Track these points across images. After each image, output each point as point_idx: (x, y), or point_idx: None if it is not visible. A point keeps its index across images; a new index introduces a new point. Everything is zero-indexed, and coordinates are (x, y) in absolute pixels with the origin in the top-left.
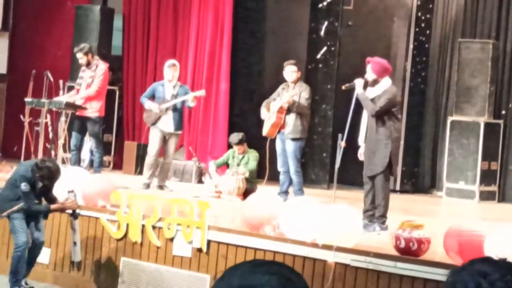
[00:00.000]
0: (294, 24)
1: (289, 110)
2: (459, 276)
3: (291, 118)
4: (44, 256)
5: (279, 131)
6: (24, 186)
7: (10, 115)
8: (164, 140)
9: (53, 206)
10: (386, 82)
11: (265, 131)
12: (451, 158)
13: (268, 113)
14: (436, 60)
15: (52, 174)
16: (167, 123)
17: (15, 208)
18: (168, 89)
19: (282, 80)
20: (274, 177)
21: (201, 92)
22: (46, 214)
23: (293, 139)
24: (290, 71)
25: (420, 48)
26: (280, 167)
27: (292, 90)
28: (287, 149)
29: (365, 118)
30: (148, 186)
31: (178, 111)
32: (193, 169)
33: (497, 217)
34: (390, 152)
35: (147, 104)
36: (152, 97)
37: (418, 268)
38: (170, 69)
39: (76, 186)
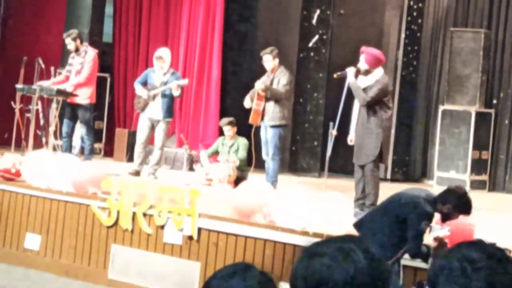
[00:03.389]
0: (286, 12)
1: (267, 97)
2: (446, 260)
3: (270, 105)
4: (35, 243)
5: (262, 119)
6: (424, 225)
7: (1, 101)
8: (153, 127)
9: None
10: (378, 72)
11: (250, 119)
12: (442, 147)
13: (251, 100)
14: (427, 49)
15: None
16: (156, 110)
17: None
18: (158, 76)
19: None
20: (261, 165)
21: (184, 81)
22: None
23: (272, 126)
24: (265, 61)
25: (412, 37)
26: (264, 155)
27: (271, 78)
28: (267, 136)
29: (357, 107)
30: (137, 173)
31: (167, 98)
32: (184, 156)
33: (487, 206)
34: (381, 141)
35: (138, 89)
36: (145, 83)
37: (408, 257)
38: (158, 61)
39: (67, 173)
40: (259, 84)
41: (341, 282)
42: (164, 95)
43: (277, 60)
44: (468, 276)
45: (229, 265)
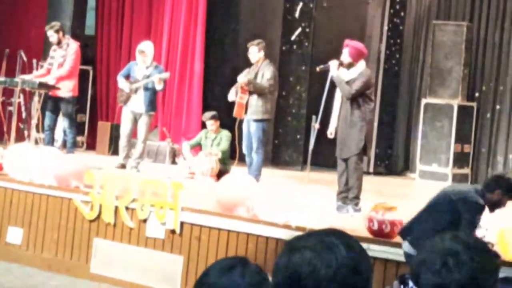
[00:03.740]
0: (269, 5)
1: (251, 91)
2: (429, 253)
3: (254, 99)
4: (17, 237)
5: (245, 112)
6: (478, 218)
7: None
8: (136, 121)
9: None
10: (361, 65)
11: (234, 112)
12: (424, 141)
13: (235, 93)
14: (410, 42)
15: None
16: (138, 104)
17: None
18: (141, 69)
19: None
20: (244, 159)
21: (166, 75)
22: None
23: (255, 120)
24: (251, 52)
25: (394, 30)
26: (244, 149)
27: (256, 71)
28: (250, 130)
29: (338, 100)
30: (123, 166)
31: (150, 91)
32: (166, 150)
33: None
34: (365, 135)
35: (121, 83)
36: (128, 76)
37: (391, 250)
38: (140, 55)
39: (49, 166)
40: (242, 78)
41: (323, 276)
42: (146, 89)
43: (262, 53)
44: (450, 269)
45: (225, 258)
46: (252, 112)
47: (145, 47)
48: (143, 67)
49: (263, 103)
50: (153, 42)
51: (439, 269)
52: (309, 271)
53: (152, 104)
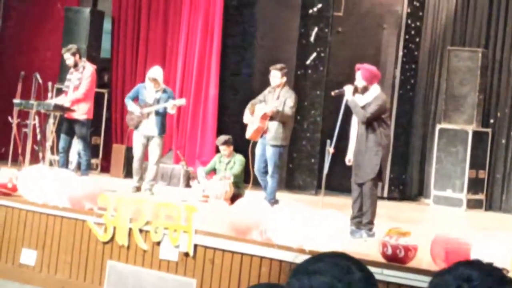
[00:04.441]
0: (284, 29)
1: (272, 117)
2: (443, 278)
3: (274, 125)
4: (30, 258)
5: (261, 136)
6: None
7: None
8: (147, 144)
9: None
10: (375, 89)
11: (248, 134)
12: (438, 166)
13: (252, 117)
14: (425, 68)
15: None
16: (150, 128)
17: None
18: (151, 93)
19: (267, 84)
20: (259, 182)
21: (181, 101)
22: None
23: (273, 146)
24: (273, 76)
25: (409, 56)
26: (256, 171)
27: (276, 96)
28: (266, 154)
29: (355, 126)
30: (138, 189)
31: (161, 115)
32: (180, 173)
33: (484, 225)
34: (381, 160)
35: (130, 106)
36: (137, 98)
37: (405, 276)
38: (151, 83)
39: (63, 188)
40: (269, 107)
41: None
42: (157, 113)
43: (284, 79)
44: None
45: (258, 285)
46: (271, 138)
47: (156, 75)
48: (153, 91)
49: (283, 130)
50: (168, 66)
51: None
52: None
53: (163, 127)
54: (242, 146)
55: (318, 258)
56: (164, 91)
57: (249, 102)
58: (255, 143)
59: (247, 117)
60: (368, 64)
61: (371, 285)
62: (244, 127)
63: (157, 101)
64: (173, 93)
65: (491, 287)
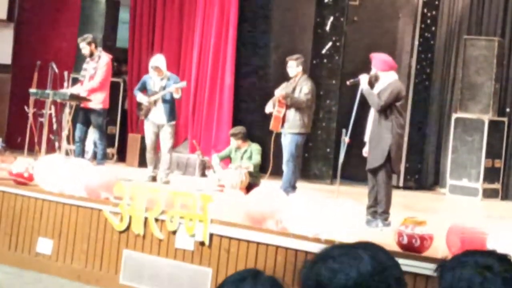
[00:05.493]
0: (300, 19)
1: (290, 105)
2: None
3: (291, 113)
4: (47, 248)
5: (282, 126)
6: None
7: (14, 106)
8: (157, 132)
9: None
10: (391, 76)
11: (271, 126)
12: (454, 155)
13: (273, 105)
14: (441, 57)
15: None
16: (159, 116)
17: None
18: (156, 81)
19: (286, 75)
20: (277, 171)
21: (182, 84)
22: None
23: (291, 133)
24: (290, 66)
25: (425, 45)
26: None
27: (294, 85)
28: (285, 143)
29: (371, 118)
30: (153, 178)
31: (168, 102)
32: (196, 162)
33: (500, 214)
34: (389, 146)
35: (138, 96)
36: (145, 89)
37: (421, 265)
38: (154, 71)
39: (79, 178)
40: (280, 91)
41: (342, 285)
42: (165, 100)
43: (301, 68)
44: (490, 282)
45: (238, 271)
46: (289, 126)
47: (159, 63)
48: (158, 79)
49: (300, 117)
50: (183, 55)
51: (481, 282)
52: (329, 279)
53: (172, 114)
54: (260, 135)
55: (336, 246)
56: (169, 78)
57: (264, 91)
58: (278, 136)
59: (268, 107)
60: (382, 53)
61: (379, 278)
62: (260, 117)
63: (163, 88)
64: (178, 78)
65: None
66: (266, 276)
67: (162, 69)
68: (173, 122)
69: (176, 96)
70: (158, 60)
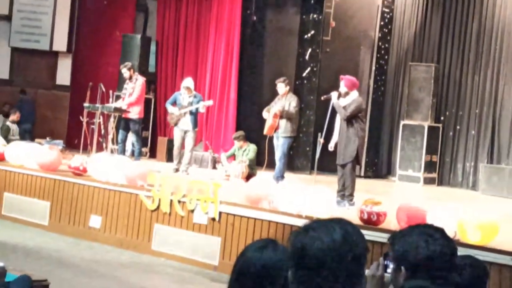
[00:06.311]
0: (286, 50)
1: (281, 116)
2: (409, 236)
3: (283, 122)
4: (97, 223)
5: (275, 131)
6: None
7: (72, 116)
8: (184, 136)
9: None
10: (354, 94)
11: (265, 131)
12: (402, 152)
13: (268, 115)
14: (392, 79)
15: None
16: (186, 124)
17: None
18: (185, 98)
19: (276, 92)
20: (270, 165)
21: (209, 102)
22: None
23: (283, 137)
24: (279, 87)
25: (380, 69)
26: (276, 158)
27: (282, 101)
28: (278, 144)
29: (338, 122)
30: (177, 170)
31: (193, 114)
32: (209, 158)
33: (436, 197)
34: (357, 146)
35: (170, 108)
36: (174, 103)
37: (377, 235)
38: (186, 90)
39: (121, 170)
40: (275, 106)
41: (318, 249)
42: (191, 112)
43: (288, 87)
44: (432, 244)
45: (259, 240)
46: (282, 131)
47: (189, 84)
48: (187, 96)
49: (291, 125)
50: (198, 77)
51: (425, 245)
52: (310, 244)
53: (195, 123)
54: (257, 137)
55: (318, 220)
56: (195, 96)
57: (260, 103)
58: (271, 138)
59: (265, 115)
60: (349, 75)
61: (346, 244)
62: (257, 124)
63: (190, 103)
64: (202, 97)
65: (447, 241)
66: (282, 245)
67: (191, 88)
68: (196, 129)
69: (202, 111)
70: (189, 82)
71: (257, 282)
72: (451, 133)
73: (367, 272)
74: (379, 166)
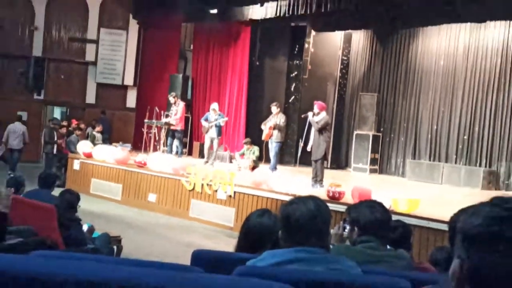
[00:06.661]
0: (278, 84)
1: (274, 128)
2: (360, 207)
3: (275, 132)
4: (153, 198)
5: (270, 138)
6: None
7: (137, 128)
8: (211, 141)
9: None
10: (323, 114)
11: (263, 137)
12: (355, 151)
13: (265, 127)
14: (348, 103)
15: None
16: (213, 133)
17: None
18: (213, 116)
19: (271, 112)
20: (267, 160)
21: (225, 119)
22: None
23: (276, 142)
24: (272, 109)
25: (340, 97)
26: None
27: (275, 118)
28: (272, 147)
29: (313, 131)
30: (206, 163)
31: (218, 126)
32: (227, 156)
33: (377, 182)
34: (325, 148)
35: (203, 123)
36: (206, 119)
37: (339, 207)
38: (212, 111)
39: (169, 163)
40: (270, 122)
41: (298, 215)
42: (216, 125)
43: (279, 109)
44: (375, 212)
45: (258, 209)
46: (274, 139)
47: (215, 106)
48: (213, 115)
49: (280, 134)
50: (220, 102)
51: (370, 212)
52: (292, 212)
53: (220, 133)
54: (259, 142)
55: (299, 197)
56: (219, 114)
57: (261, 118)
58: (267, 143)
59: (263, 127)
60: (320, 101)
61: (319, 212)
62: (258, 133)
63: (216, 120)
64: (223, 115)
65: (385, 211)
66: (274, 213)
67: (216, 109)
68: (219, 137)
69: (222, 124)
70: (215, 105)
71: (257, 238)
72: (387, 139)
73: (331, 231)
74: (340, 161)
